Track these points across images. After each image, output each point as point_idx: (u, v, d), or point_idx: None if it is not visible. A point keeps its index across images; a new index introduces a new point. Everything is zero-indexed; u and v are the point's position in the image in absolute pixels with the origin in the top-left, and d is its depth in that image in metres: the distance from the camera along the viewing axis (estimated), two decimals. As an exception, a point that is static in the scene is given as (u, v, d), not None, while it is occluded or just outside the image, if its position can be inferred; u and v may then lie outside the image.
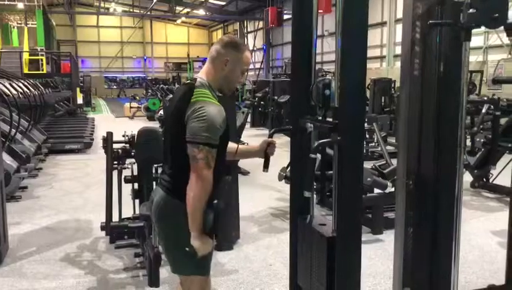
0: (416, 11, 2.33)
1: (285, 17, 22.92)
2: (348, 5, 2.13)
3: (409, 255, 2.49)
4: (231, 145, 2.50)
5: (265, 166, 2.55)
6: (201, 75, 2.29)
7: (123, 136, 4.29)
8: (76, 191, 6.74)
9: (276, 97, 13.35)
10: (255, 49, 32.19)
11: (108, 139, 4.14)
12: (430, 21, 2.20)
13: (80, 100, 20.66)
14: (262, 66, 30.09)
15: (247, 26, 33.85)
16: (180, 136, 2.16)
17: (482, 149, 6.04)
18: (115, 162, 4.26)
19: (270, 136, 2.64)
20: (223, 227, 4.28)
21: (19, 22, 26.71)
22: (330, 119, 2.26)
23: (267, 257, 4.26)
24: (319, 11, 15.61)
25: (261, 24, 30.00)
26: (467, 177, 6.48)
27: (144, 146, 3.84)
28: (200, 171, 2.10)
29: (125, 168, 4.24)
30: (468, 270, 3.95)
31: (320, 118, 2.42)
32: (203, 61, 33.02)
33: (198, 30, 40.98)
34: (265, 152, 2.53)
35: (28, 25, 24.70)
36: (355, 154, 2.16)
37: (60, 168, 8.49)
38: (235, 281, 3.75)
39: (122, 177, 4.23)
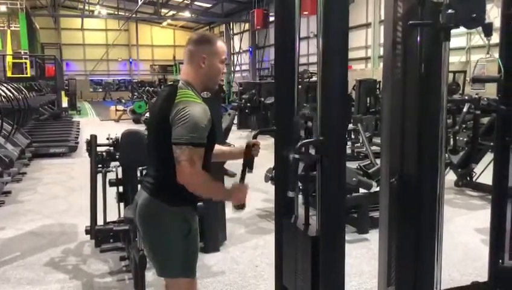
0: (398, 12, 2.36)
1: (271, 19, 22.96)
2: (329, 7, 2.15)
3: (393, 254, 2.51)
4: (216, 146, 2.50)
5: (250, 167, 2.55)
6: (183, 76, 2.29)
7: (107, 138, 4.26)
8: (61, 196, 6.67)
9: (262, 99, 13.38)
10: (241, 51, 32.20)
11: (92, 142, 4.11)
12: (410, 21, 2.22)
13: (65, 104, 20.46)
14: (248, 68, 30.14)
15: (233, 28, 33.84)
16: (163, 138, 2.15)
17: (466, 148, 6.12)
18: (100, 165, 4.22)
19: (255, 137, 2.65)
20: (210, 229, 4.29)
21: (2, 24, 26.34)
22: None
23: (253, 258, 4.27)
24: (304, 12, 15.65)
25: (247, 26, 30.02)
26: (452, 176, 6.57)
27: (128, 149, 3.82)
28: (184, 172, 2.09)
29: (109, 171, 4.21)
30: (452, 267, 4.00)
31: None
32: (189, 63, 32.81)
33: (184, 32, 40.78)
34: (250, 153, 2.54)
35: (11, 28, 24.37)
36: (338, 155, 2.18)
37: (44, 172, 8.41)
38: (222, 283, 3.74)
39: (107, 180, 4.20)
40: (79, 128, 13.79)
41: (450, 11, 2.05)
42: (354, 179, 4.61)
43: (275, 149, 2.63)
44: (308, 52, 21.25)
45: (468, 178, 6.57)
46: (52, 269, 4.05)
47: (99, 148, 4.25)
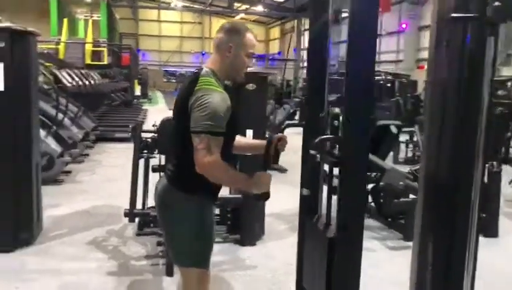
0: (444, 5, 2.18)
1: (343, 15, 22.48)
2: (357, 14, 2.06)
3: (426, 265, 2.34)
4: (241, 139, 2.44)
5: (275, 161, 2.48)
6: (208, 64, 2.26)
7: (153, 126, 4.33)
8: (116, 178, 6.90)
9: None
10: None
11: (136, 129, 4.21)
12: (453, 14, 2.04)
13: (137, 92, 21.31)
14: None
15: (304, 23, 33.54)
16: (183, 125, 2.13)
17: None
18: (145, 151, 4.31)
19: (282, 131, 2.57)
20: (246, 222, 4.25)
21: (86, 14, 27.90)
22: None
23: (288, 255, 4.15)
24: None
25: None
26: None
27: (166, 136, 3.86)
28: (200, 160, 2.05)
29: (152, 158, 4.29)
30: (500, 283, 3.69)
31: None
32: (259, 57, 33.03)
33: (256, 27, 41.07)
34: (276, 147, 2.47)
35: (92, 18, 25.76)
36: (359, 155, 2.06)
37: (105, 155, 8.79)
38: (252, 277, 3.71)
39: (150, 166, 4.29)
40: (146, 115, 14.29)
41: (497, 3, 1.86)
42: (401, 183, 4.38)
43: (302, 145, 2.54)
44: (380, 50, 20.66)
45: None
46: (94, 248, 4.21)
47: (145, 135, 4.34)
